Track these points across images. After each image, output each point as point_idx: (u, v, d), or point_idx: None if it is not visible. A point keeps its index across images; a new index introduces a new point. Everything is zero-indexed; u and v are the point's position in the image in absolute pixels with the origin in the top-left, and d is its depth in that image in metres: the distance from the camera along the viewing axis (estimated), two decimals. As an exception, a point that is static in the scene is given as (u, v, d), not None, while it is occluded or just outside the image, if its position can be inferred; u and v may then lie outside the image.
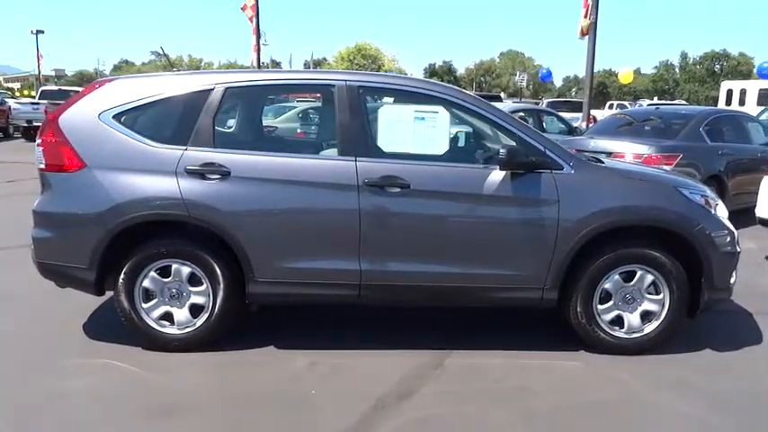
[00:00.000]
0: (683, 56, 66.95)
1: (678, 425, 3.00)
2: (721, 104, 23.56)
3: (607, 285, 3.60)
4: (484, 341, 3.80)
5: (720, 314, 4.23)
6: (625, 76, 19.33)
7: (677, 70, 65.35)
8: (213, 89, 3.54)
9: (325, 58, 71.44)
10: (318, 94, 3.96)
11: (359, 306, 3.94)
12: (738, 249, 3.67)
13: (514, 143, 3.51)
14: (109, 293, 3.69)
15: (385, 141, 3.56)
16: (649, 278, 3.59)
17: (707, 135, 7.08)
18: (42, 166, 3.57)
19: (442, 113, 3.57)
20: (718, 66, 62.61)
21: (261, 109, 4.22)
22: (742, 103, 23.62)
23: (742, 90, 25.05)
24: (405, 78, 3.67)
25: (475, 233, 3.52)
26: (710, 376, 3.46)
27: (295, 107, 7.28)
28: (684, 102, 33.30)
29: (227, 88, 3.57)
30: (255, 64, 19.32)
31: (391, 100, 3.72)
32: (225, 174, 3.42)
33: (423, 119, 3.57)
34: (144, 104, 3.58)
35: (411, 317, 4.20)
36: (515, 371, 3.46)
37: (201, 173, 3.43)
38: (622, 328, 3.65)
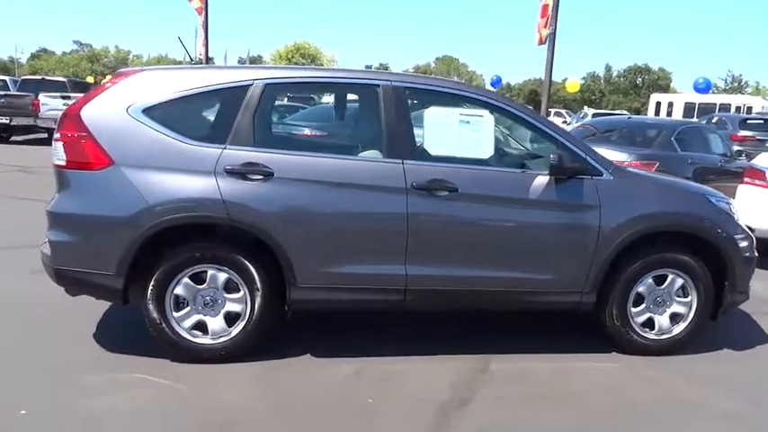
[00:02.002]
0: (608, 68, 70.77)
1: (722, 421, 3.10)
2: (650, 115, 24.98)
3: (641, 289, 3.69)
4: (520, 345, 3.80)
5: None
6: (572, 86, 20.17)
7: (602, 82, 68.56)
8: (252, 85, 3.36)
9: (260, 56, 70.12)
10: (354, 95, 3.86)
11: (389, 311, 3.88)
12: (756, 254, 3.86)
13: (557, 148, 3.54)
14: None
15: (431, 144, 3.50)
16: (679, 281, 3.72)
17: (678, 144, 7.44)
18: (61, 162, 3.27)
19: (487, 117, 3.56)
20: (639, 79, 66.17)
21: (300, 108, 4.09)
22: (669, 114, 25.17)
23: (669, 102, 26.69)
24: (450, 81, 3.63)
25: (520, 237, 3.53)
26: (740, 372, 3.63)
27: (304, 107, 7.08)
28: (626, 112, 35.08)
29: (266, 84, 3.40)
30: (204, 59, 18.69)
31: (435, 102, 3.66)
32: (268, 174, 3.26)
33: (468, 122, 3.54)
34: (176, 99, 3.35)
35: (443, 321, 4.15)
36: (560, 374, 3.50)
37: (242, 173, 3.25)
38: (653, 329, 3.76)
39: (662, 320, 3.76)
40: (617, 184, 3.59)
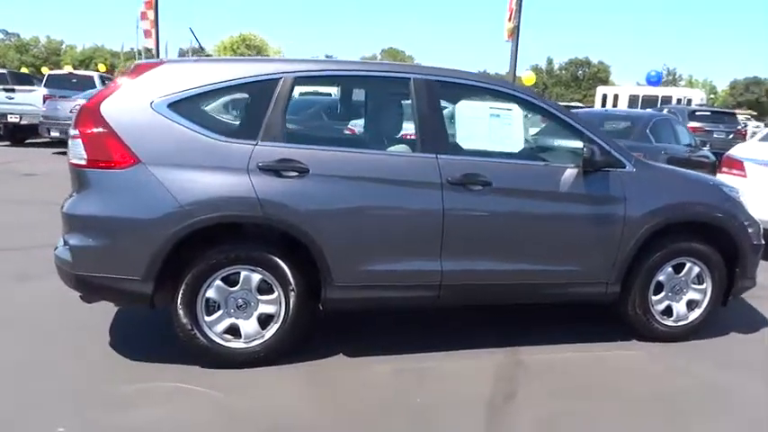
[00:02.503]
0: (549, 61, 72.81)
1: (758, 403, 3.23)
2: (597, 107, 25.83)
3: (661, 278, 3.80)
4: (541, 336, 3.83)
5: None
6: (528, 79, 20.63)
7: (545, 74, 70.41)
8: (281, 78, 3.23)
9: (202, 47, 68.17)
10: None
11: (422, 309, 3.85)
12: (763, 242, 4.03)
13: (586, 142, 3.58)
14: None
15: (463, 138, 3.48)
16: (696, 269, 3.84)
17: (652, 135, 7.71)
18: (81, 161, 3.07)
19: (516, 111, 3.56)
20: (580, 72, 68.27)
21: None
22: (615, 106, 26.08)
23: (615, 95, 27.58)
24: (478, 74, 3.60)
25: (551, 230, 3.56)
26: (759, 355, 3.79)
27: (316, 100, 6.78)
28: (580, 104, 36.14)
29: (296, 78, 3.28)
30: (155, 52, 18.01)
31: (464, 96, 3.63)
32: (303, 171, 3.15)
33: (498, 116, 3.54)
34: (202, 93, 3.20)
35: (461, 316, 4.14)
36: (592, 364, 3.55)
37: (276, 170, 3.13)
38: (671, 317, 3.87)
39: (679, 308, 3.88)
40: (639, 175, 3.67)
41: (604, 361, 3.60)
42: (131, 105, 3.11)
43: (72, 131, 3.13)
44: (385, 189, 3.28)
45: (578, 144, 3.59)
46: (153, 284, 3.07)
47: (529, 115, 3.65)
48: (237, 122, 3.24)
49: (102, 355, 3.36)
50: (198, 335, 3.18)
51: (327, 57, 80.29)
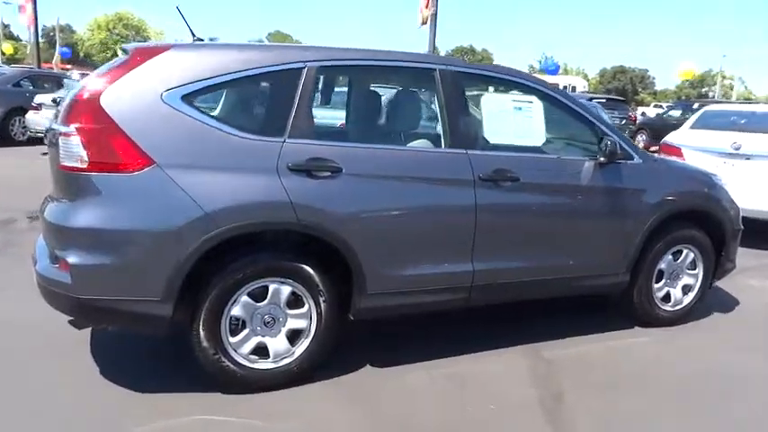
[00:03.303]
0: (435, 50, 75.54)
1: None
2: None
3: (662, 265, 3.92)
4: (550, 330, 3.81)
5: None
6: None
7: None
8: (305, 68, 2.90)
9: (69, 25, 62.18)
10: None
11: (451, 312, 3.68)
12: (742, 227, 4.28)
13: (599, 135, 3.58)
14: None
15: (489, 132, 3.34)
16: (691, 256, 4.01)
17: None
18: (78, 164, 2.57)
19: (536, 104, 3.48)
20: (466, 59, 70.88)
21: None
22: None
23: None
24: (499, 66, 3.45)
25: (574, 224, 3.54)
26: (750, 333, 4.03)
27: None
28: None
29: (320, 68, 2.96)
30: (32, 31, 16.14)
31: (487, 88, 3.48)
32: (336, 171, 2.86)
33: (520, 108, 3.44)
34: (219, 84, 2.79)
35: (469, 316, 4.01)
36: (611, 354, 3.59)
37: (308, 170, 2.81)
38: (669, 302, 4.02)
39: (676, 293, 4.03)
40: (646, 167, 3.74)
41: (620, 351, 3.65)
42: (137, 98, 2.64)
43: (62, 128, 2.61)
44: (419, 188, 3.08)
45: (590, 136, 3.59)
46: (173, 305, 2.66)
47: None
48: (261, 117, 2.87)
49: (108, 387, 2.88)
50: (224, 359, 2.81)
51: (212, 39, 77.06)
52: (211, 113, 2.78)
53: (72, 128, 2.57)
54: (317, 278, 2.91)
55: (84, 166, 2.56)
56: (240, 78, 2.83)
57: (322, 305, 2.95)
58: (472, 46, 71.41)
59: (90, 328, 3.37)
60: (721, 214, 4.02)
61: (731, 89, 61.35)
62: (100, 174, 2.57)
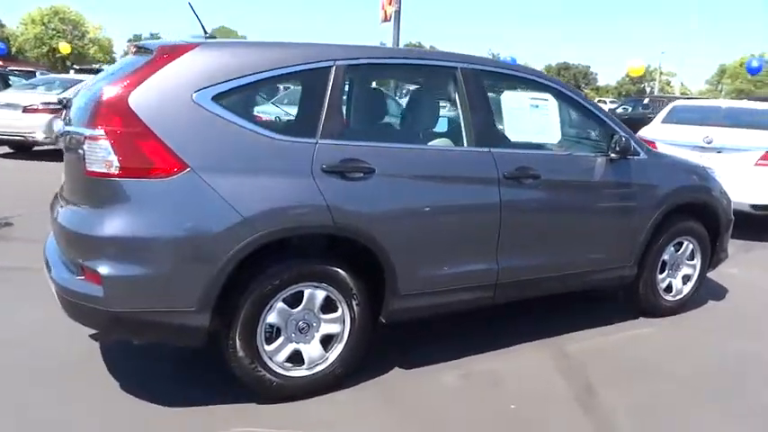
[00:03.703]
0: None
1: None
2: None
3: (665, 257, 4.05)
4: (564, 325, 3.86)
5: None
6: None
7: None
8: (333, 66, 2.83)
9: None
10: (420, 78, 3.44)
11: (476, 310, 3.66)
12: (733, 217, 4.46)
13: (610, 132, 3.65)
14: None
15: (509, 130, 3.35)
16: (690, 247, 4.15)
17: None
18: (108, 169, 2.42)
19: (552, 101, 3.51)
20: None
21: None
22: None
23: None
24: (514, 65, 3.46)
25: (590, 219, 3.60)
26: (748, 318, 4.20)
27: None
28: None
29: (348, 66, 2.89)
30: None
31: (504, 86, 3.48)
32: (368, 171, 2.80)
33: (537, 106, 3.46)
34: (250, 84, 2.68)
35: (485, 312, 4.02)
36: (628, 346, 3.68)
37: (342, 171, 2.75)
38: (671, 292, 4.15)
39: (677, 283, 4.17)
40: (651, 162, 3.84)
41: (633, 342, 3.74)
42: (167, 98, 2.51)
43: (86, 131, 2.45)
44: (448, 186, 3.06)
45: (601, 133, 3.66)
46: (210, 315, 2.55)
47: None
48: (292, 117, 2.77)
49: (122, 406, 2.72)
50: (260, 369, 2.71)
51: (153, 35, 73.90)
52: (244, 114, 2.67)
53: (100, 131, 2.41)
54: (350, 281, 2.85)
55: (115, 171, 2.41)
56: (270, 78, 2.73)
57: (355, 309, 2.90)
58: (420, 43, 71.86)
59: (96, 340, 3.23)
60: (717, 206, 4.18)
61: (668, 84, 64.12)
62: (132, 179, 2.43)
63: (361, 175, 2.79)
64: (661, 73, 58.57)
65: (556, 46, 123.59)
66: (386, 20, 13.20)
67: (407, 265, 2.95)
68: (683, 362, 3.48)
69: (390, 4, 12.92)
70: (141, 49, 2.85)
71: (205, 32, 3.12)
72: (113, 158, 2.41)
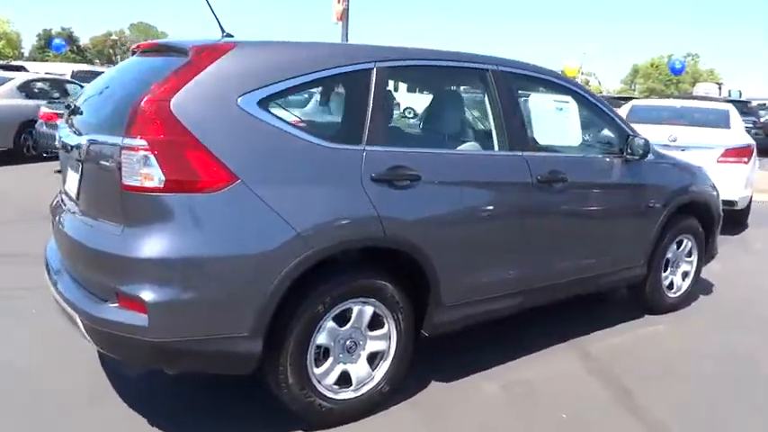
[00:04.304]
0: None
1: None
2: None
3: (669, 255, 4.14)
4: (573, 325, 3.87)
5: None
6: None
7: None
8: (373, 69, 2.67)
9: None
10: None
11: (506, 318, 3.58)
12: (722, 213, 4.62)
13: (620, 131, 3.68)
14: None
15: (537, 133, 3.30)
16: (690, 244, 4.27)
17: None
18: (149, 183, 2.16)
19: (572, 104, 3.49)
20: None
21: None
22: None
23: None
24: (537, 66, 3.40)
25: (610, 220, 3.62)
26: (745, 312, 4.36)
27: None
28: None
29: (388, 68, 2.73)
30: None
31: (530, 89, 3.42)
32: (415, 179, 2.67)
33: (561, 109, 3.44)
34: (293, 87, 2.48)
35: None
36: (647, 343, 3.74)
37: (389, 180, 2.60)
38: (672, 289, 4.26)
39: (677, 280, 4.28)
40: (659, 163, 3.91)
41: (649, 340, 3.81)
42: (211, 104, 2.28)
43: (124, 140, 2.18)
44: (488, 192, 2.98)
45: (617, 134, 3.69)
46: (262, 340, 2.34)
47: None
48: (337, 123, 2.59)
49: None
50: (311, 395, 2.52)
51: (64, 29, 69.30)
52: (290, 119, 2.46)
53: (140, 141, 2.15)
54: (397, 295, 2.71)
55: (159, 185, 2.16)
56: (313, 80, 2.54)
57: (401, 323, 2.75)
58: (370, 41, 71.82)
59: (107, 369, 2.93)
60: (713, 204, 4.32)
61: (587, 84, 67.05)
62: (177, 194, 2.18)
63: (408, 182, 2.65)
64: (582, 73, 61.19)
65: (491, 45, 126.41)
66: (339, 19, 13.00)
67: (450, 275, 2.84)
68: (701, 358, 3.56)
69: (339, 2, 12.75)
70: (165, 49, 2.58)
71: (222, 31, 2.87)
72: (157, 171, 2.15)
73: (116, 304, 2.23)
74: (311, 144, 2.45)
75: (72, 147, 2.60)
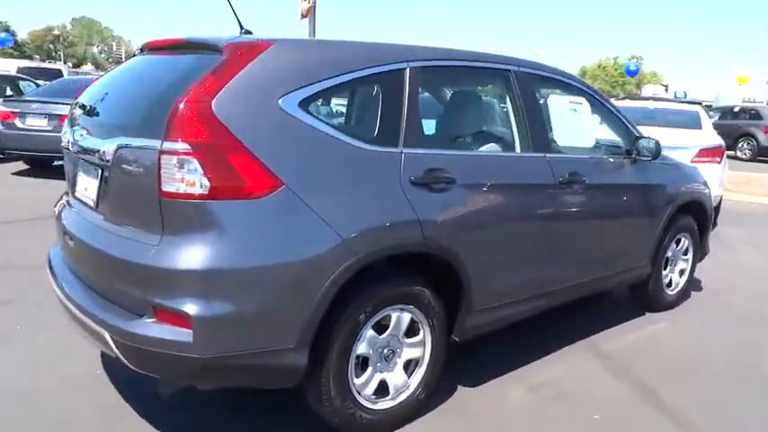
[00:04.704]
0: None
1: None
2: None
3: (669, 253, 4.22)
4: (582, 328, 3.90)
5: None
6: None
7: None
8: (406, 69, 2.59)
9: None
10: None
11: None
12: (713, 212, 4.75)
13: (629, 132, 3.73)
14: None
15: (557, 134, 3.29)
16: (687, 242, 4.36)
17: None
18: (191, 189, 2.02)
19: (585, 105, 3.50)
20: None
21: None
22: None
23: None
24: (551, 67, 3.38)
25: (624, 221, 3.67)
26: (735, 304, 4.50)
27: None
28: None
29: (421, 68, 2.66)
30: None
31: (547, 90, 3.40)
32: (450, 182, 2.61)
33: (575, 110, 3.44)
34: (332, 87, 2.38)
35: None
36: (658, 341, 3.83)
37: (426, 183, 2.53)
38: (670, 287, 4.35)
39: (675, 277, 4.37)
40: (662, 164, 3.97)
41: (659, 337, 3.89)
42: (252, 105, 2.15)
43: (165, 144, 2.03)
44: (517, 195, 2.95)
45: (626, 136, 3.72)
46: (308, 352, 2.23)
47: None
48: (373, 124, 2.49)
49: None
50: (352, 407, 2.43)
51: (0, 23, 66.45)
52: (329, 121, 2.36)
53: (183, 145, 2.01)
54: (433, 301, 2.65)
55: (203, 192, 2.02)
56: (351, 81, 2.44)
57: (437, 329, 2.69)
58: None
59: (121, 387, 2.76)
60: (707, 203, 4.43)
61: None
62: (221, 201, 2.05)
63: (443, 185, 2.59)
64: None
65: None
66: (304, 16, 12.81)
67: (481, 279, 2.79)
68: (710, 356, 3.62)
69: (305, 0, 12.56)
70: (191, 46, 2.43)
71: (241, 27, 2.74)
72: (200, 177, 2.01)
73: (153, 319, 2.08)
74: (351, 147, 2.35)
75: (88, 150, 2.43)
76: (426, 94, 3.00)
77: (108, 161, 2.26)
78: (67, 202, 2.77)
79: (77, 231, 2.46)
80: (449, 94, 3.14)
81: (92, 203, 2.44)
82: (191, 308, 2.02)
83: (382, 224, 2.36)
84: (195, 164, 2.01)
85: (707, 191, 4.47)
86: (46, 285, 2.68)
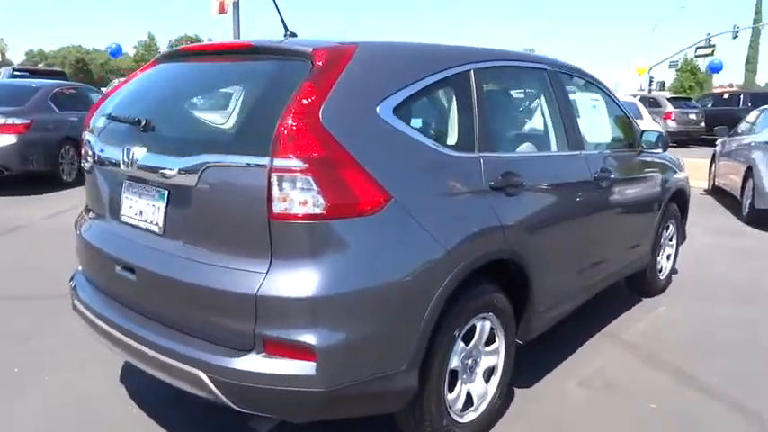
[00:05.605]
0: (151, 37, 76.18)
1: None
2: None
3: (662, 240, 4.44)
4: (589, 314, 3.93)
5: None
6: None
7: (157, 51, 68.16)
8: (471, 71, 2.53)
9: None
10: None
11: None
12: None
13: (633, 126, 3.88)
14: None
15: (586, 131, 3.34)
16: (672, 228, 4.61)
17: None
18: (310, 210, 1.84)
19: (602, 101, 3.59)
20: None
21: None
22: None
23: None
24: (573, 65, 3.40)
25: (638, 213, 3.83)
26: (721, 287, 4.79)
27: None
28: None
29: (482, 69, 2.59)
30: None
31: (571, 87, 3.42)
32: (519, 185, 2.58)
33: (595, 107, 3.52)
34: (419, 92, 2.27)
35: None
36: (668, 325, 4.02)
37: (504, 187, 2.49)
38: (661, 272, 4.58)
39: (663, 262, 4.61)
40: (659, 156, 4.16)
41: (666, 322, 4.08)
42: (354, 114, 2.01)
43: (275, 162, 1.83)
44: (568, 194, 2.97)
45: (631, 130, 3.87)
46: (418, 372, 2.12)
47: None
48: (451, 128, 2.39)
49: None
50: (450, 425, 2.35)
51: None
52: (418, 126, 2.25)
53: (295, 161, 1.82)
54: (508, 306, 2.61)
55: (320, 211, 1.85)
56: (430, 84, 2.33)
57: (510, 335, 2.66)
58: (197, 35, 68.70)
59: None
60: (687, 190, 4.70)
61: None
62: (337, 220, 1.89)
63: (515, 189, 2.56)
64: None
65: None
66: (221, 12, 12.26)
67: (544, 281, 2.79)
68: (721, 332, 3.84)
69: (221, -5, 12.03)
70: (264, 51, 2.22)
71: (286, 29, 2.55)
72: (314, 195, 1.84)
73: (263, 353, 1.89)
74: (441, 153, 2.27)
75: (148, 169, 2.15)
76: (490, 95, 2.94)
77: (186, 182, 2.02)
78: (100, 225, 2.46)
79: (140, 261, 2.17)
80: (504, 95, 3.10)
81: (157, 229, 2.17)
82: (312, 338, 1.84)
83: (477, 232, 2.30)
84: (310, 181, 1.83)
85: (686, 178, 4.74)
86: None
